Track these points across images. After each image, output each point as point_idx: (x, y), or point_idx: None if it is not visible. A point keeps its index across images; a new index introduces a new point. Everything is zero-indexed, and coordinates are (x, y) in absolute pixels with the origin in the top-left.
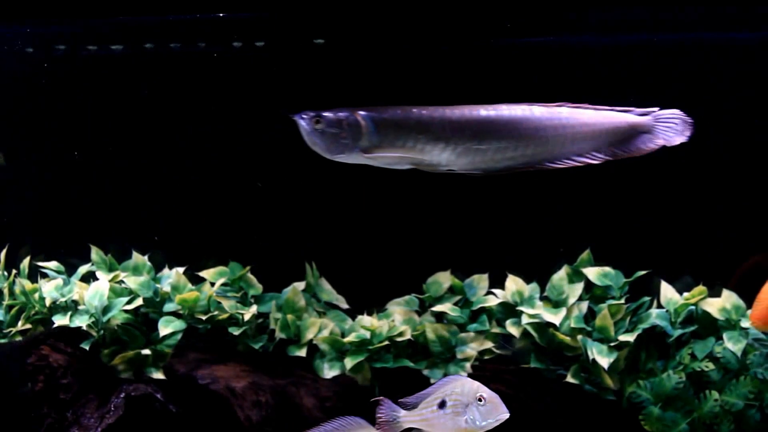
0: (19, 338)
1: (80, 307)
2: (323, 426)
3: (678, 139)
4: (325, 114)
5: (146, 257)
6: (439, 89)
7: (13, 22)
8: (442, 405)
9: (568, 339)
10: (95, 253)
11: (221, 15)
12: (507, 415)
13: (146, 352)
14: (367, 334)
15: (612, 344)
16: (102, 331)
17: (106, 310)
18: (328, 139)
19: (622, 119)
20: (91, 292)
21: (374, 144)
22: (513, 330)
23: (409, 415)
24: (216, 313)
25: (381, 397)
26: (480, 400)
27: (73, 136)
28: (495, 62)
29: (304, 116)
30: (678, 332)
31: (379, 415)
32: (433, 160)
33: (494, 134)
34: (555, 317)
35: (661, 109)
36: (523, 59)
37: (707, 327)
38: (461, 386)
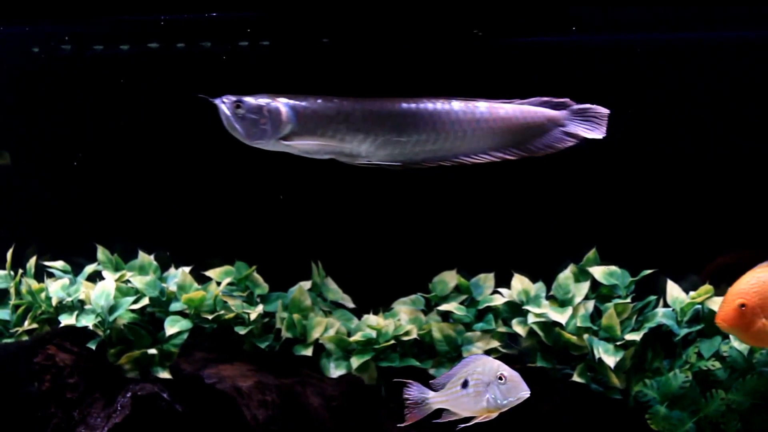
0: (25, 338)
1: (86, 307)
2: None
3: (594, 134)
4: (246, 99)
5: (152, 257)
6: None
7: (15, 21)
8: (465, 385)
9: (574, 338)
10: (101, 252)
11: (222, 15)
12: (528, 394)
13: (152, 351)
14: (374, 334)
15: (618, 343)
16: (108, 331)
17: (112, 309)
18: (247, 125)
19: (539, 113)
20: (97, 292)
21: (294, 132)
22: (519, 329)
23: (437, 396)
24: (222, 312)
25: (409, 380)
26: (501, 378)
27: (79, 136)
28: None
29: (225, 101)
30: (684, 331)
31: (407, 396)
32: (352, 150)
33: (414, 127)
34: (561, 316)
35: (577, 103)
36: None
37: (713, 326)
38: (482, 365)
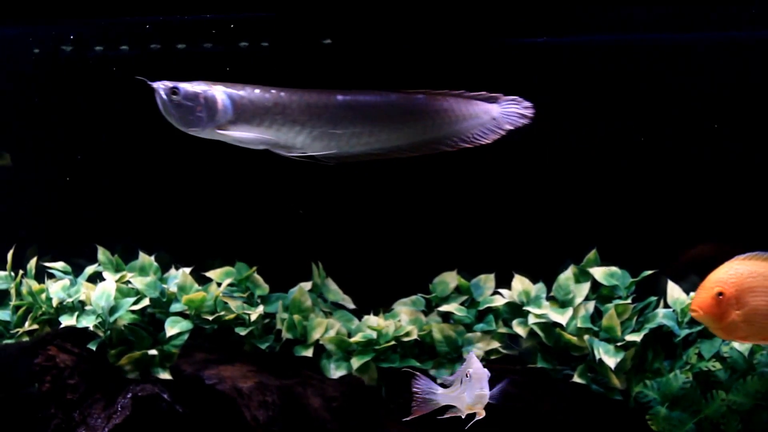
0: (26, 339)
1: (87, 308)
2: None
3: (522, 123)
4: (182, 86)
5: (153, 257)
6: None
7: (18, 22)
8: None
9: (574, 339)
10: (102, 253)
11: (221, 16)
12: (485, 393)
13: (153, 352)
14: (374, 334)
15: (619, 344)
16: (109, 332)
17: (112, 310)
18: (183, 112)
19: (475, 106)
20: (97, 293)
21: (229, 121)
22: (519, 330)
23: (445, 393)
24: (223, 313)
25: (418, 374)
26: (467, 376)
27: (79, 137)
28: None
29: (161, 86)
30: (685, 332)
31: (416, 389)
32: (288, 142)
33: (350, 120)
34: (562, 317)
35: (505, 95)
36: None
37: None
38: (469, 364)
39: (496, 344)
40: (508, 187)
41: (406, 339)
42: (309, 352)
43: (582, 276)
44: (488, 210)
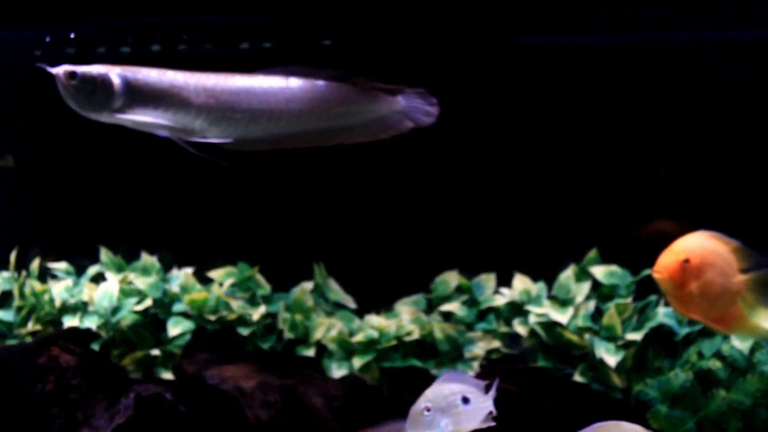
0: (29, 339)
1: (90, 308)
2: None
3: (426, 121)
4: (79, 70)
5: (155, 258)
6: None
7: (18, 25)
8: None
9: (575, 338)
10: (104, 254)
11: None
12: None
13: (155, 352)
14: (376, 334)
15: (619, 343)
16: (111, 332)
17: (115, 310)
18: (81, 97)
19: (377, 96)
20: (100, 293)
21: (126, 105)
22: (520, 329)
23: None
24: (225, 313)
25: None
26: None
27: (82, 138)
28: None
29: (60, 72)
30: (685, 331)
31: None
32: (186, 125)
33: (248, 103)
34: (562, 316)
35: (410, 88)
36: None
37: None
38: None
39: (497, 343)
40: (509, 186)
41: (407, 338)
42: (311, 352)
43: (582, 275)
44: (489, 209)
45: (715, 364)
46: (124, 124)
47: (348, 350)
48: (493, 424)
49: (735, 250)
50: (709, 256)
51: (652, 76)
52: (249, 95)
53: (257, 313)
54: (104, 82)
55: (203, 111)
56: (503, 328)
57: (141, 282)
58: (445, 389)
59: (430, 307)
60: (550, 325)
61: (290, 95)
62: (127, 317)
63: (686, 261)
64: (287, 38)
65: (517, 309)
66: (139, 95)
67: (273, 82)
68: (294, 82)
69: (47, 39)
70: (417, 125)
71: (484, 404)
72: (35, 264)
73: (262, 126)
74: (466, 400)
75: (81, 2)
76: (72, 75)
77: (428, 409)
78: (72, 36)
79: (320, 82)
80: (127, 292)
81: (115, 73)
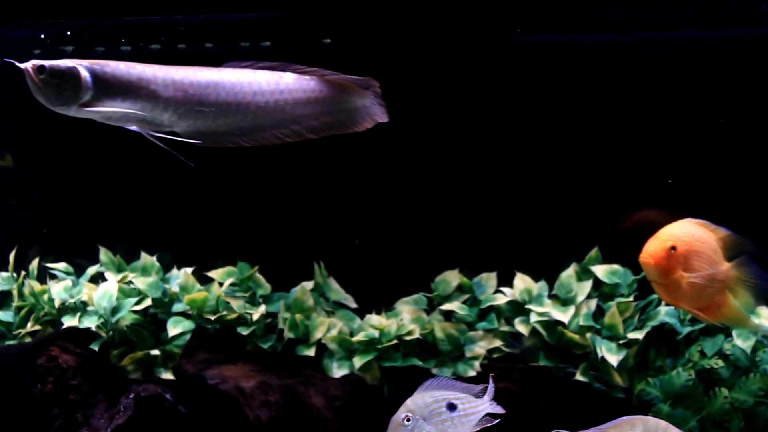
0: (28, 339)
1: (89, 308)
2: None
3: (377, 118)
4: (48, 64)
5: (154, 258)
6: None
7: (18, 22)
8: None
9: (576, 337)
10: (104, 254)
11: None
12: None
13: (155, 352)
14: (376, 333)
15: (621, 342)
16: (111, 332)
17: (115, 310)
18: (50, 91)
19: (346, 89)
20: (99, 293)
21: (94, 98)
22: (522, 328)
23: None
24: (225, 313)
25: None
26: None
27: (81, 138)
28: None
29: (29, 66)
30: (687, 329)
31: None
32: (155, 119)
33: (215, 97)
34: (564, 315)
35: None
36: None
37: (716, 324)
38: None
39: (498, 343)
40: (510, 185)
41: (408, 338)
42: (311, 352)
43: (584, 274)
44: (490, 209)
45: (718, 363)
46: (93, 117)
47: (348, 350)
48: (493, 422)
49: (722, 238)
50: (696, 243)
51: (651, 74)
52: (217, 88)
53: (257, 313)
54: (72, 75)
55: (171, 104)
56: (504, 327)
57: (140, 282)
58: (427, 397)
59: (431, 307)
60: (552, 324)
61: (257, 88)
62: (126, 317)
63: (673, 248)
64: (287, 37)
65: (518, 308)
66: (107, 88)
67: (241, 76)
68: (261, 76)
69: (42, 36)
70: (377, 121)
71: (475, 409)
72: (34, 264)
73: (231, 119)
74: (452, 407)
75: (79, 1)
76: (41, 69)
77: (408, 419)
78: (68, 34)
79: (288, 76)
80: (126, 292)
81: (82, 67)
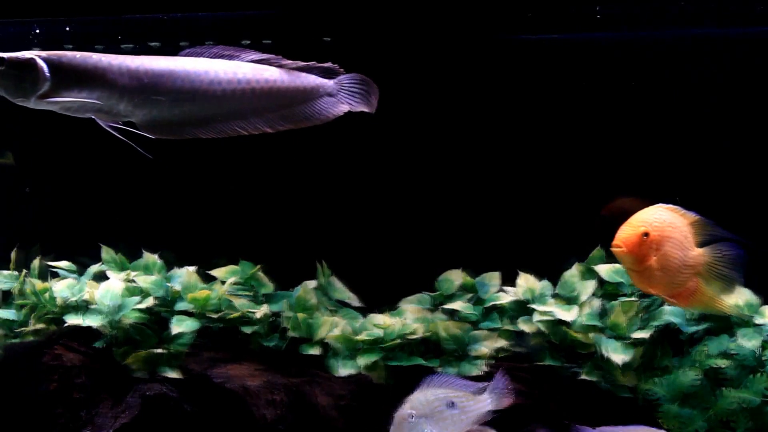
0: (31, 338)
1: (92, 307)
2: None
3: (362, 107)
4: (7, 56)
5: (157, 256)
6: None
7: (20, 19)
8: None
9: (580, 336)
10: (106, 252)
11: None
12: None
13: (159, 351)
14: (380, 333)
15: (626, 341)
16: (115, 331)
17: (118, 309)
18: (9, 83)
19: (306, 79)
20: (102, 292)
21: (51, 88)
22: (525, 327)
23: None
24: (228, 311)
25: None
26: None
27: (82, 136)
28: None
29: None
30: (692, 329)
31: None
32: (111, 108)
33: (170, 85)
34: (567, 314)
35: (346, 72)
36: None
37: (721, 323)
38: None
39: (502, 342)
40: (513, 185)
41: (412, 337)
42: (316, 351)
43: (587, 273)
44: (493, 208)
45: (724, 363)
46: (52, 108)
47: (353, 349)
48: (488, 418)
49: (692, 223)
50: (667, 229)
51: (654, 73)
52: (172, 77)
53: (260, 312)
54: (31, 66)
55: (127, 92)
56: (508, 327)
57: (143, 280)
58: (429, 394)
59: (435, 306)
60: (555, 324)
61: (213, 77)
62: (129, 316)
63: (645, 235)
64: (287, 35)
65: (521, 307)
66: (64, 78)
67: (197, 64)
68: (218, 65)
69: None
70: (353, 110)
71: (476, 406)
72: (36, 262)
73: (186, 109)
74: (452, 405)
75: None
76: (1, 61)
77: (412, 416)
78: (67, 29)
79: (245, 64)
80: (129, 290)
81: (40, 58)
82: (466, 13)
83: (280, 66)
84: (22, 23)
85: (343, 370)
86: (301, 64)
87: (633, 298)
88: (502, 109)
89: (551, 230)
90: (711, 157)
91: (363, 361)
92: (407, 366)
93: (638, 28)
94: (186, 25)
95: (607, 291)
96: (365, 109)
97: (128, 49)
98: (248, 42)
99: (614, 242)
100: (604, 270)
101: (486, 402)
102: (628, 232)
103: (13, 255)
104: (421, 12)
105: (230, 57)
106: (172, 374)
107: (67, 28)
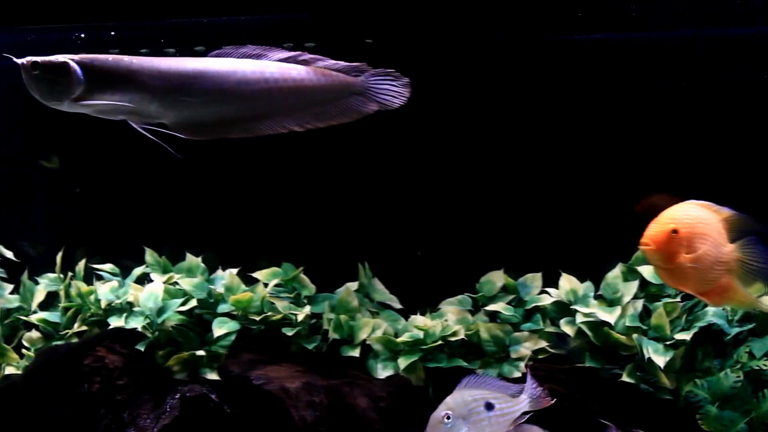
0: (75, 340)
1: (135, 309)
2: None
3: (396, 102)
4: (41, 60)
5: (200, 259)
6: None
7: (57, 25)
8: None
9: (623, 338)
10: (149, 255)
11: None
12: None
13: (201, 353)
14: (421, 334)
15: (668, 343)
16: (157, 333)
17: (160, 311)
18: (44, 86)
19: (335, 77)
20: (145, 294)
21: (85, 92)
22: (567, 329)
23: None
24: (269, 313)
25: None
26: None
27: (127, 139)
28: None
29: (25, 62)
30: (735, 330)
31: None
32: (143, 111)
33: (200, 86)
34: (610, 316)
35: (375, 69)
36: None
37: (765, 325)
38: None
39: (543, 343)
40: (557, 186)
41: (452, 339)
42: (356, 352)
43: (630, 274)
44: (536, 209)
45: (767, 365)
46: (85, 111)
47: (393, 350)
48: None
49: (725, 219)
50: (698, 225)
51: (689, 72)
52: (201, 78)
53: (302, 314)
54: (65, 70)
55: (157, 94)
56: (550, 328)
57: (186, 283)
58: (466, 395)
59: (476, 307)
60: (598, 325)
61: (242, 77)
62: (172, 318)
63: (674, 232)
64: (329, 37)
65: (563, 309)
66: (97, 81)
67: (225, 65)
68: (246, 65)
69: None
70: (383, 107)
71: (513, 408)
72: (81, 265)
73: (215, 109)
74: (489, 407)
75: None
76: (34, 65)
77: (448, 417)
78: (113, 34)
79: (272, 63)
80: (172, 292)
81: (73, 61)
82: (506, 14)
83: (307, 64)
84: (64, 29)
85: (383, 371)
86: (330, 62)
87: (676, 300)
88: (542, 110)
89: (594, 231)
90: (749, 154)
91: (403, 362)
92: (447, 368)
93: (677, 27)
94: (226, 29)
95: (650, 292)
96: (395, 104)
97: (171, 53)
98: (291, 44)
99: (642, 239)
100: (648, 271)
101: (523, 403)
102: (656, 229)
103: (58, 258)
104: (459, 14)
105: (258, 56)
106: (212, 376)
107: (112, 33)
